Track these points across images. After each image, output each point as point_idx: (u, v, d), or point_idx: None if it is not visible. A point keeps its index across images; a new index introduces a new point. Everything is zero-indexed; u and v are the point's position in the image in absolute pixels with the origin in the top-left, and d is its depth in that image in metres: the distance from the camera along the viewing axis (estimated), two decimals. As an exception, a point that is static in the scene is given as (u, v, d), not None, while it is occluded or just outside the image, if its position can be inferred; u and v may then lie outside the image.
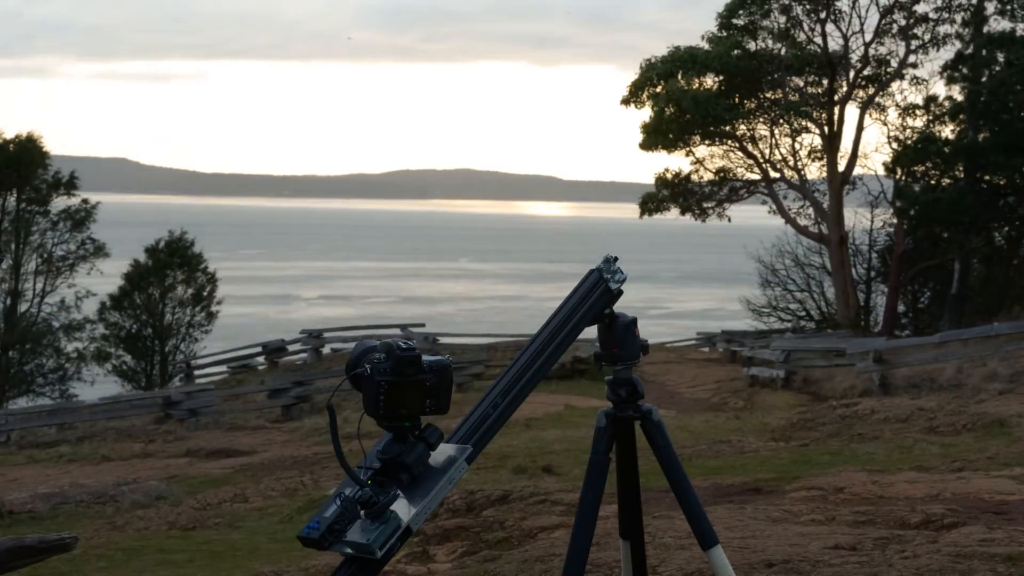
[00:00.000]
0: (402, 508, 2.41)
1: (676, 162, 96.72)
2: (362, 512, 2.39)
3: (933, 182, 31.70)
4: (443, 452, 2.52)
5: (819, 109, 34.15)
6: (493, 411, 2.63)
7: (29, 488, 12.70)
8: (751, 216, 37.21)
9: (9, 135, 36.18)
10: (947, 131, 33.29)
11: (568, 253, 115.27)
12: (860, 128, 34.08)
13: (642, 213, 35.50)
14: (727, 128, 34.11)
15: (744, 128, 34.69)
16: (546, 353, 2.73)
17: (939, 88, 40.18)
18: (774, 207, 34.86)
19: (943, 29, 33.07)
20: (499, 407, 2.64)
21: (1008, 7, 32.06)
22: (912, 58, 33.52)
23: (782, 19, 33.74)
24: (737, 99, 33.99)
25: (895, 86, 34.22)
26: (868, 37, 33.48)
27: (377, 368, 2.43)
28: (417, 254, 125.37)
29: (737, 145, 34.79)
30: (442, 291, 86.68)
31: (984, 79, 31.31)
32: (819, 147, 34.49)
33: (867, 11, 33.45)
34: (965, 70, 31.96)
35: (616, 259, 2.84)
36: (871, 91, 34.06)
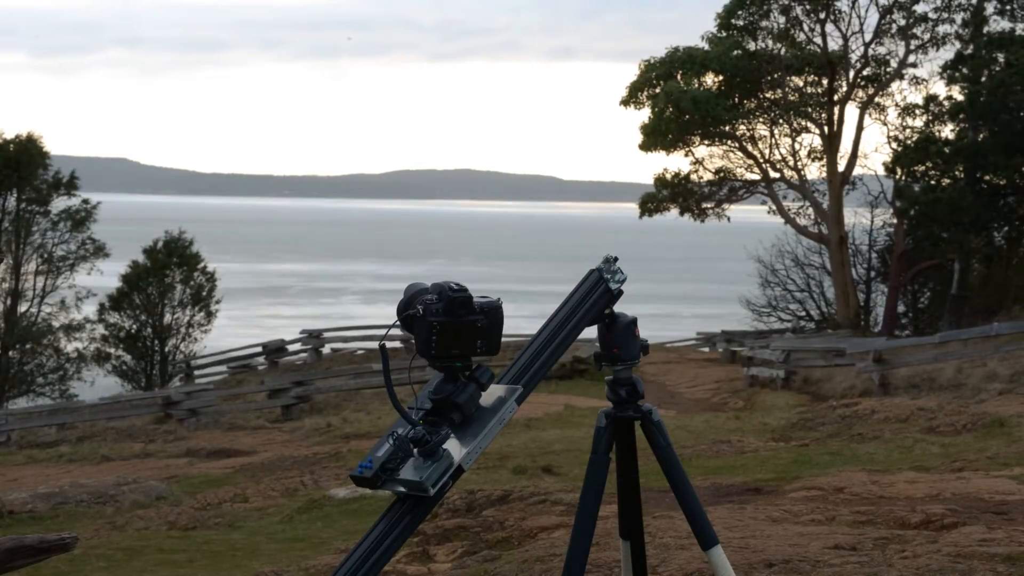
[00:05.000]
0: (454, 447, 2.44)
1: (676, 162, 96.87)
2: (415, 451, 2.41)
3: (933, 182, 31.68)
4: (493, 393, 2.55)
5: (819, 109, 34.15)
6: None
7: (29, 488, 12.70)
8: (751, 216, 37.17)
9: (9, 135, 36.24)
10: (947, 131, 33.30)
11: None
12: (860, 128, 34.09)
13: (642, 213, 35.51)
14: (727, 128, 34.10)
15: (744, 128, 34.69)
16: (546, 353, 2.73)
17: (939, 88, 40.07)
18: (774, 207, 34.86)
19: (943, 29, 33.11)
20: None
21: (1008, 7, 32.07)
22: (912, 58, 33.54)
23: (782, 19, 33.76)
24: (737, 99, 33.99)
25: (895, 86, 34.27)
26: (868, 37, 33.51)
27: (429, 308, 2.46)
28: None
29: (737, 145, 34.77)
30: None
31: (984, 79, 31.30)
32: (819, 147, 34.49)
33: (867, 11, 33.50)
34: (965, 70, 31.95)
35: (616, 259, 2.83)
36: (871, 91, 34.06)
